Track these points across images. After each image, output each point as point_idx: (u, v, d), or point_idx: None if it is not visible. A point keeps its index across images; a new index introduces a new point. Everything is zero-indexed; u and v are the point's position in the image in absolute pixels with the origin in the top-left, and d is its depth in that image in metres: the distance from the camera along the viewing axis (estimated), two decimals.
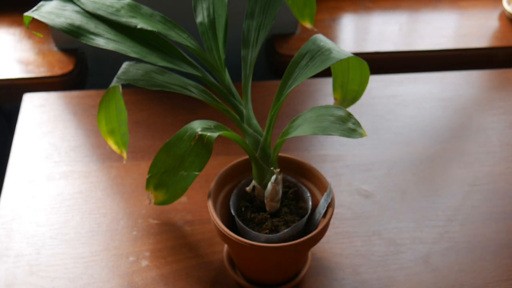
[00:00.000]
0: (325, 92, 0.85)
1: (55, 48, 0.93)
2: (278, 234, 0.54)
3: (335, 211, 0.68)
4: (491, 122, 0.81)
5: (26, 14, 0.53)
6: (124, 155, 0.62)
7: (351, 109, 0.54)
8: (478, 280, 0.62)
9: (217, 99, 0.56)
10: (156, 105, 0.83)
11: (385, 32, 0.98)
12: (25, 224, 0.67)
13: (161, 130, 0.79)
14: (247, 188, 0.57)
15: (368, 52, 0.94)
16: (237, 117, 0.56)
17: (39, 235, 0.66)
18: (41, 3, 0.54)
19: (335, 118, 0.48)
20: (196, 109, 0.82)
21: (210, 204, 0.55)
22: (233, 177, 0.60)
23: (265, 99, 0.83)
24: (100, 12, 0.53)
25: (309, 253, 0.63)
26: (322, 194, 0.58)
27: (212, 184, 0.57)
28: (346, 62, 0.58)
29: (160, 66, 0.55)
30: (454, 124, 0.81)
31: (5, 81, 0.88)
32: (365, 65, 0.57)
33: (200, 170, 0.51)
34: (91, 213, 0.68)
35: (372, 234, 0.67)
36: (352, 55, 0.51)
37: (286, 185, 0.59)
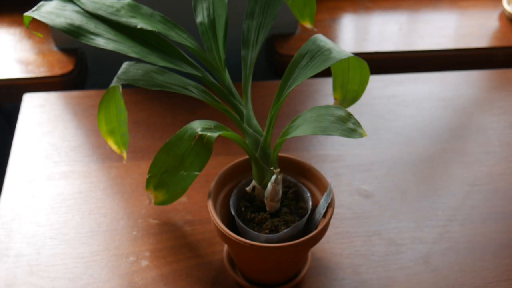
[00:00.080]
0: (325, 92, 0.85)
1: (55, 48, 0.93)
2: (278, 234, 0.54)
3: (335, 211, 0.68)
4: (491, 122, 0.81)
5: (26, 14, 0.53)
6: (124, 155, 0.62)
7: (351, 109, 0.54)
8: (478, 280, 0.62)
9: (217, 99, 0.56)
10: (156, 105, 0.83)
11: (385, 32, 0.98)
12: (25, 224, 0.67)
13: (161, 130, 0.79)
14: (247, 188, 0.57)
15: (368, 52, 0.94)
16: (237, 117, 0.56)
17: (39, 235, 0.66)
18: (41, 3, 0.54)
19: (335, 118, 0.48)
20: (196, 109, 0.82)
21: (210, 204, 0.55)
22: (233, 177, 0.60)
23: (265, 99, 0.83)
24: (100, 12, 0.53)
25: (309, 253, 0.63)
26: (322, 194, 0.58)
27: (212, 184, 0.57)
28: (346, 62, 0.58)
29: (160, 66, 0.55)
30: (454, 124, 0.81)
31: (5, 81, 0.88)
32: (365, 65, 0.57)
33: (200, 170, 0.52)
34: (91, 213, 0.68)
35: (372, 234, 0.67)
36: (352, 55, 0.51)
37: (286, 185, 0.59)
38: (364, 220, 0.68)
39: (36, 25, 0.92)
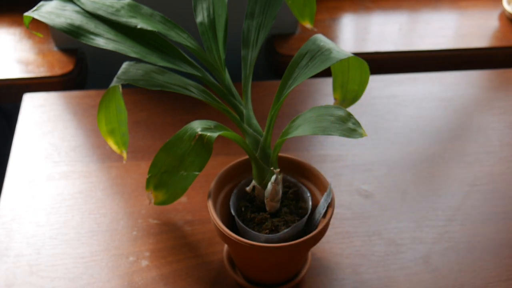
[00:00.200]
0: (325, 92, 0.85)
1: (55, 48, 0.93)
2: (278, 234, 0.54)
3: (335, 211, 0.68)
4: (491, 122, 0.81)
5: (26, 14, 0.53)
6: (124, 155, 0.62)
7: (351, 109, 0.54)
8: (478, 280, 0.62)
9: (217, 99, 0.56)
10: (156, 105, 0.83)
11: (385, 32, 0.98)
12: (25, 224, 0.67)
13: (161, 130, 0.79)
14: (247, 188, 0.57)
15: (368, 52, 0.94)
16: (237, 117, 0.56)
17: (39, 235, 0.66)
18: (41, 3, 0.54)
19: (335, 118, 0.48)
20: (196, 109, 0.82)
21: (210, 204, 0.55)
22: (233, 177, 0.60)
23: (265, 99, 0.83)
24: (100, 12, 0.53)
25: (309, 253, 0.63)
26: (322, 194, 0.58)
27: (212, 184, 0.57)
28: (346, 62, 0.58)
29: (160, 66, 0.55)
30: (454, 124, 0.81)
31: (5, 81, 0.88)
32: (365, 65, 0.57)
33: (200, 170, 0.51)
34: (91, 213, 0.68)
35: (372, 234, 0.67)
36: (352, 55, 0.51)
37: (286, 185, 0.59)
38: (364, 220, 0.68)
39: (36, 25, 0.92)
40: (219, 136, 0.51)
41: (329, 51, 0.51)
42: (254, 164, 0.55)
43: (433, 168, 0.74)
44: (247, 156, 0.58)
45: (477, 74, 0.90)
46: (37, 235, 0.66)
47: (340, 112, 0.48)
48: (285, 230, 0.54)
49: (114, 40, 0.52)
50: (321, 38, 0.53)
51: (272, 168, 0.54)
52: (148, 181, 0.55)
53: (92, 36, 0.52)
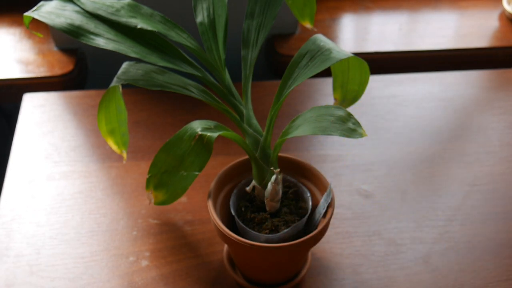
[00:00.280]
0: (325, 92, 0.85)
1: (55, 48, 0.93)
2: (278, 234, 0.54)
3: (335, 211, 0.68)
4: (491, 122, 0.81)
5: (26, 14, 0.53)
6: (124, 155, 0.62)
7: (351, 109, 0.54)
8: (478, 280, 0.62)
9: (217, 99, 0.56)
10: (156, 105, 0.83)
11: (385, 32, 0.98)
12: (25, 224, 0.67)
13: (161, 130, 0.79)
14: (247, 188, 0.57)
15: (368, 52, 0.94)
16: (237, 117, 0.56)
17: (39, 235, 0.66)
18: (41, 3, 0.54)
19: (335, 118, 0.48)
20: (196, 109, 0.82)
21: (210, 204, 0.55)
22: (233, 177, 0.60)
23: (265, 99, 0.83)
24: (100, 12, 0.53)
25: (309, 253, 0.63)
26: (322, 194, 0.58)
27: (212, 184, 0.57)
28: (346, 62, 0.58)
29: (160, 66, 0.55)
30: (454, 124, 0.81)
31: (5, 81, 0.88)
32: (365, 65, 0.57)
33: (200, 170, 0.51)
34: (91, 213, 0.68)
35: (372, 234, 0.67)
36: (352, 55, 0.51)
37: (286, 185, 0.59)
38: (364, 220, 0.68)
39: (36, 25, 0.92)
40: (219, 136, 0.51)
41: (329, 51, 0.51)
42: (254, 164, 0.55)
43: (433, 168, 0.74)
44: (247, 156, 0.58)
45: (477, 74, 0.90)
46: (37, 235, 0.66)
47: (340, 112, 0.48)
48: (285, 230, 0.54)
49: (114, 40, 0.52)
50: (321, 38, 0.53)
51: (272, 168, 0.54)
52: (148, 181, 0.55)
53: (92, 36, 0.52)
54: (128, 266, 0.63)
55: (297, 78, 0.52)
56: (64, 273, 0.63)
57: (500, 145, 0.77)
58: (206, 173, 0.71)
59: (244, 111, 0.56)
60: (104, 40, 0.52)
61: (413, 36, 0.98)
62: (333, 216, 0.62)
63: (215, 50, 0.56)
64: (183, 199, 0.70)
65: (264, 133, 0.55)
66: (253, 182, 0.56)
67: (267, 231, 0.55)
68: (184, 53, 0.56)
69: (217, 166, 0.72)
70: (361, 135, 0.46)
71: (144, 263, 0.64)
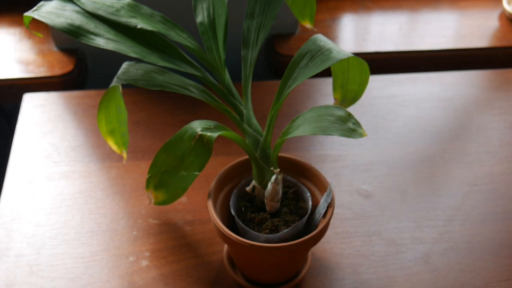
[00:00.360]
0: (325, 92, 0.85)
1: (55, 48, 0.93)
2: (278, 234, 0.54)
3: (335, 211, 0.68)
4: (491, 122, 0.81)
5: (26, 14, 0.53)
6: (124, 155, 0.62)
7: (351, 109, 0.54)
8: (478, 280, 0.62)
9: (217, 99, 0.56)
10: (156, 105, 0.83)
11: (385, 32, 0.98)
12: (25, 224, 0.67)
13: (161, 130, 0.79)
14: (247, 188, 0.57)
15: (368, 52, 0.94)
16: (237, 117, 0.56)
17: (39, 235, 0.66)
18: (41, 3, 0.54)
19: (335, 118, 0.48)
20: (196, 109, 0.82)
21: (210, 204, 0.55)
22: (233, 177, 0.60)
23: (265, 99, 0.83)
24: (100, 12, 0.53)
25: (309, 253, 0.63)
26: (322, 194, 0.58)
27: (212, 184, 0.57)
28: (346, 62, 0.58)
29: (160, 66, 0.55)
30: (454, 124, 0.81)
31: (5, 81, 0.88)
32: (365, 65, 0.57)
33: (200, 170, 0.51)
34: (91, 213, 0.68)
35: (372, 234, 0.67)
36: (352, 55, 0.51)
37: (286, 185, 0.59)
38: (364, 220, 0.68)
39: (36, 25, 0.92)
40: (219, 136, 0.51)
41: (329, 51, 0.51)
42: (254, 164, 0.55)
43: (433, 168, 0.74)
44: (247, 156, 0.58)
45: (477, 74, 0.90)
46: (37, 235, 0.66)
47: (340, 112, 0.48)
48: (285, 230, 0.54)
49: (114, 40, 0.52)
50: (321, 38, 0.53)
51: (272, 168, 0.54)
52: (148, 181, 0.55)
53: (92, 36, 0.52)
54: (128, 266, 0.63)
55: (297, 78, 0.52)
56: (64, 273, 0.63)
57: (500, 145, 0.77)
58: (206, 173, 0.71)
59: (244, 111, 0.56)
60: (104, 40, 0.52)
61: (413, 36, 0.98)
62: (333, 216, 0.62)
63: (215, 50, 0.56)
64: (183, 199, 0.70)
65: (264, 133, 0.55)
66: (253, 182, 0.56)
67: (267, 231, 0.55)
68: (184, 53, 0.56)
69: (217, 166, 0.72)
70: (361, 135, 0.46)
71: (144, 263, 0.64)
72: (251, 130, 0.55)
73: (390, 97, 0.84)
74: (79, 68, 0.91)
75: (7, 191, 0.71)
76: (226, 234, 0.53)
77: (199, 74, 0.55)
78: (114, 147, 0.62)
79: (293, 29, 0.96)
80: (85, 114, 0.81)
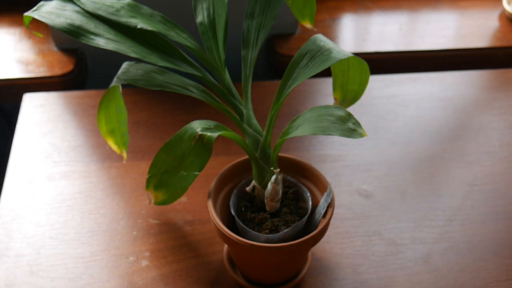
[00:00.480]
0: (325, 92, 0.85)
1: (55, 48, 0.93)
2: (278, 234, 0.54)
3: (335, 211, 0.68)
4: (491, 122, 0.81)
5: (26, 14, 0.53)
6: (124, 155, 0.62)
7: (351, 109, 0.54)
8: (478, 280, 0.62)
9: (217, 99, 0.56)
10: (156, 105, 0.83)
11: (385, 32, 0.98)
12: (25, 224, 0.67)
13: (161, 130, 0.79)
14: (247, 188, 0.57)
15: (368, 52, 0.94)
16: (237, 117, 0.56)
17: (39, 235, 0.66)
18: (41, 3, 0.54)
19: (335, 118, 0.48)
20: (196, 109, 0.82)
21: (210, 204, 0.55)
22: (233, 177, 0.60)
23: (265, 99, 0.83)
24: (100, 12, 0.53)
25: (309, 253, 0.63)
26: (322, 194, 0.58)
27: (212, 184, 0.57)
28: (346, 62, 0.58)
29: (160, 66, 0.55)
30: (454, 124, 0.81)
31: (5, 81, 0.88)
32: (365, 65, 0.57)
33: (200, 170, 0.51)
34: (91, 213, 0.68)
35: (372, 234, 0.67)
36: (352, 55, 0.51)
37: (286, 185, 0.59)
38: (364, 220, 0.68)
39: (36, 25, 0.92)
40: (219, 136, 0.51)
41: (329, 51, 0.51)
42: (254, 164, 0.55)
43: (433, 168, 0.74)
44: (247, 156, 0.58)
45: (477, 74, 0.90)
46: (37, 235, 0.66)
47: (340, 112, 0.48)
48: (285, 230, 0.54)
49: (114, 40, 0.52)
50: (321, 38, 0.53)
51: (272, 168, 0.54)
52: (148, 181, 0.55)
53: (92, 36, 0.52)
54: (128, 266, 0.63)
55: (297, 78, 0.52)
56: (64, 273, 0.63)
57: (500, 145, 0.77)
58: (206, 173, 0.71)
59: (244, 111, 0.56)
60: (104, 40, 0.52)
61: (413, 36, 0.98)
62: (333, 216, 0.62)
63: (215, 50, 0.56)
64: (183, 199, 0.70)
65: (264, 133, 0.55)
66: (253, 182, 0.56)
67: (267, 231, 0.55)
68: (184, 53, 0.56)
69: (217, 166, 0.72)
70: (361, 135, 0.46)
71: (144, 263, 0.64)
72: (251, 130, 0.55)
73: (390, 97, 0.84)
74: (79, 68, 0.91)
75: (7, 191, 0.71)
76: (226, 234, 0.53)
77: (199, 74, 0.55)
78: (114, 147, 0.62)
79: (293, 29, 0.96)
80: (85, 114, 0.81)
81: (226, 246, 0.63)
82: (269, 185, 0.54)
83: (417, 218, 0.68)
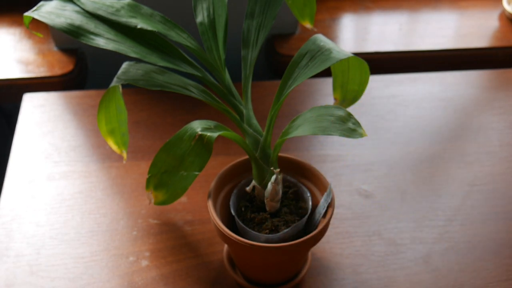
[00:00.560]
0: (325, 92, 0.85)
1: (55, 48, 0.93)
2: (278, 234, 0.54)
3: (335, 211, 0.68)
4: (491, 122, 0.81)
5: (26, 14, 0.53)
6: (124, 155, 0.62)
7: (351, 109, 0.54)
8: (478, 280, 0.62)
9: (217, 99, 0.56)
10: (156, 105, 0.83)
11: (385, 32, 0.98)
12: (25, 224, 0.67)
13: (161, 130, 0.79)
14: (247, 188, 0.57)
15: (368, 52, 0.94)
16: (237, 117, 0.56)
17: (39, 235, 0.66)
18: (41, 3, 0.54)
19: (335, 118, 0.48)
20: (196, 109, 0.82)
21: (210, 204, 0.55)
22: (233, 177, 0.60)
23: (265, 99, 0.83)
24: (100, 12, 0.53)
25: (309, 253, 0.63)
26: (322, 194, 0.58)
27: (212, 184, 0.57)
28: (346, 62, 0.58)
29: (160, 66, 0.55)
30: (454, 124, 0.81)
31: (5, 81, 0.88)
32: (365, 65, 0.57)
33: (200, 170, 0.51)
34: (91, 213, 0.68)
35: (372, 234, 0.67)
36: (352, 55, 0.51)
37: (286, 185, 0.59)
38: (364, 220, 0.68)
39: (36, 25, 0.92)
40: (219, 136, 0.51)
41: (329, 51, 0.51)
42: (254, 164, 0.55)
43: (433, 168, 0.74)
44: (247, 156, 0.58)
45: (477, 74, 0.90)
46: (37, 235, 0.66)
47: (340, 112, 0.48)
48: (285, 230, 0.54)
49: (114, 40, 0.52)
50: (321, 38, 0.53)
51: (272, 168, 0.54)
52: (148, 181, 0.55)
53: (92, 36, 0.52)
54: (128, 266, 0.63)
55: (297, 78, 0.52)
56: (64, 273, 0.63)
57: (500, 145, 0.77)
58: (206, 173, 0.71)
59: (244, 111, 0.56)
60: (104, 40, 0.52)
61: (413, 36, 0.98)
62: (333, 216, 0.62)
63: (215, 50, 0.56)
64: (183, 199, 0.70)
65: (264, 133, 0.55)
66: (253, 182, 0.56)
67: (267, 231, 0.55)
68: (184, 53, 0.56)
69: (217, 166, 0.72)
70: (361, 135, 0.46)
71: (144, 263, 0.64)
72: (251, 130, 0.55)
73: (390, 97, 0.84)
74: (79, 68, 0.91)
75: (7, 191, 0.71)
76: (226, 234, 0.53)
77: (199, 74, 0.55)
78: (114, 147, 0.62)
79: (293, 29, 0.96)
80: (85, 114, 0.81)
81: (226, 246, 0.63)
82: (269, 185, 0.54)
83: (417, 218, 0.68)
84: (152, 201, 0.56)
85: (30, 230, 0.67)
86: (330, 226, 0.66)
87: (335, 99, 0.62)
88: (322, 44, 0.52)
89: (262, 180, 0.55)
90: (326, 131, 0.47)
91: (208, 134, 0.50)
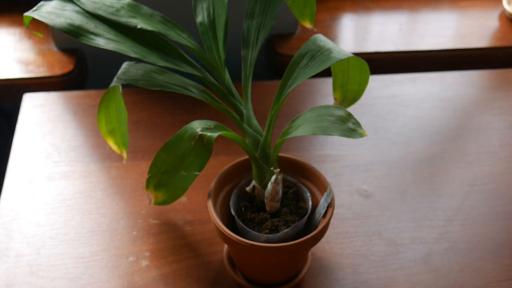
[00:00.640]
0: (325, 92, 0.85)
1: (55, 48, 0.93)
2: (278, 234, 0.54)
3: (335, 211, 0.68)
4: (491, 122, 0.81)
5: (26, 14, 0.53)
6: (124, 155, 0.62)
7: (351, 109, 0.54)
8: (478, 280, 0.62)
9: (217, 99, 0.56)
10: (156, 105, 0.83)
11: (385, 32, 0.98)
12: (25, 224, 0.67)
13: (161, 130, 0.79)
14: (247, 188, 0.57)
15: (368, 52, 0.94)
16: (237, 117, 0.56)
17: (39, 235, 0.66)
18: (41, 3, 0.54)
19: (335, 118, 0.48)
20: (196, 109, 0.82)
21: (210, 204, 0.55)
22: (233, 177, 0.60)
23: (265, 99, 0.83)
24: (100, 12, 0.53)
25: (309, 253, 0.63)
26: (322, 194, 0.58)
27: (212, 184, 0.57)
28: (346, 62, 0.58)
29: (160, 66, 0.55)
30: (454, 124, 0.81)
31: (5, 81, 0.88)
32: (365, 65, 0.57)
33: (200, 170, 0.51)
34: (91, 213, 0.68)
35: (372, 234, 0.67)
36: (352, 55, 0.51)
37: (286, 185, 0.59)
38: (364, 220, 0.68)
39: (36, 25, 0.92)
40: (219, 136, 0.51)
41: (329, 51, 0.51)
42: (254, 164, 0.55)
43: (433, 168, 0.74)
44: (247, 156, 0.58)
45: (477, 74, 0.90)
46: (37, 235, 0.66)
47: (340, 112, 0.48)
48: (285, 230, 0.54)
49: (114, 40, 0.52)
50: (321, 38, 0.53)
51: (272, 168, 0.54)
52: (148, 181, 0.55)
53: (92, 36, 0.52)
54: (128, 266, 0.63)
55: (297, 78, 0.52)
56: (64, 273, 0.63)
57: (500, 145, 0.77)
58: (206, 173, 0.71)
59: (244, 111, 0.56)
60: (104, 40, 0.52)
61: (413, 36, 0.98)
62: (333, 216, 0.62)
63: (215, 50, 0.56)
64: (183, 199, 0.70)
65: (264, 133, 0.55)
66: (253, 182, 0.56)
67: (267, 231, 0.55)
68: (184, 53, 0.56)
69: (217, 166, 0.72)
70: (361, 135, 0.46)
71: (144, 263, 0.64)
72: (251, 130, 0.55)
73: (390, 97, 0.84)
74: (79, 68, 0.91)
75: (7, 191, 0.71)
76: (226, 234, 0.53)
77: (199, 74, 0.55)
78: (114, 147, 0.62)
79: (293, 29, 0.96)
80: (85, 114, 0.81)
81: (226, 246, 0.63)
82: (269, 185, 0.54)
83: (417, 218, 0.68)
84: (152, 201, 0.56)
85: (30, 230, 0.67)
86: (330, 226, 0.66)
87: (335, 99, 0.62)
88: (322, 44, 0.52)
89: (262, 180, 0.55)
90: (326, 131, 0.47)
91: (208, 134, 0.50)
